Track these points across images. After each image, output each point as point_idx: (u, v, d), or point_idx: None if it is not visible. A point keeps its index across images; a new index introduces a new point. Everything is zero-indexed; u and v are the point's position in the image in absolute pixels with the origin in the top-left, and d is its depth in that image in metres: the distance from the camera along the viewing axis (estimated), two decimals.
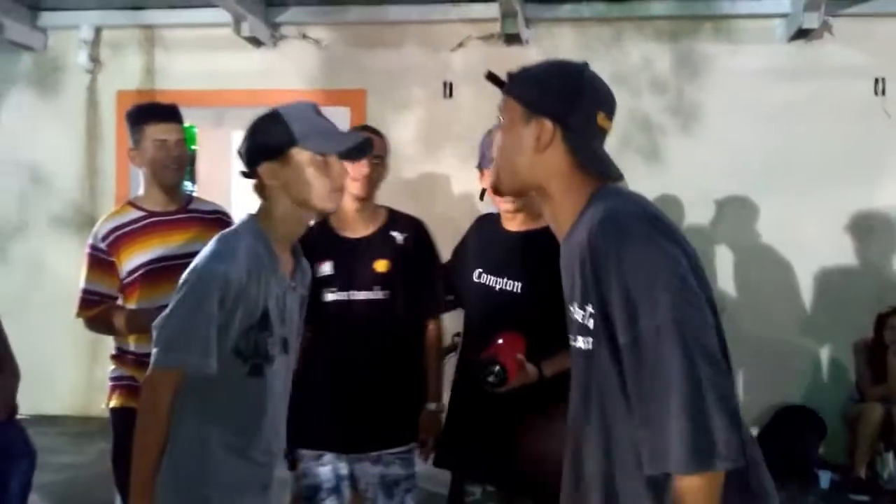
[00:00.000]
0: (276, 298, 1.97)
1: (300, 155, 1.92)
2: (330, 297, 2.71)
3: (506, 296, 2.45)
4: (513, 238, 2.52)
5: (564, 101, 1.56)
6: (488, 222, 2.67)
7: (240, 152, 2.02)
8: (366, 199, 2.77)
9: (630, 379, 1.40)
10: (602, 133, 1.61)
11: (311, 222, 2.88)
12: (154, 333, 1.88)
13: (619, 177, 1.61)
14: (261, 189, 1.99)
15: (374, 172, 2.75)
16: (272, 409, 1.98)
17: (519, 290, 2.42)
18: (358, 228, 2.78)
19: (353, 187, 2.70)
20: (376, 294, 2.70)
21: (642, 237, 1.43)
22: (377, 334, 2.71)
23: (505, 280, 2.47)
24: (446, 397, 2.77)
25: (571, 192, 1.57)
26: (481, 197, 2.52)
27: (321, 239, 2.76)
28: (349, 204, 2.74)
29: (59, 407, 5.90)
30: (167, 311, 1.88)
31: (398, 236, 2.80)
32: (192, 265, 1.91)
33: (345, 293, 2.71)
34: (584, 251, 1.47)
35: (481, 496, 2.47)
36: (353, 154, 2.00)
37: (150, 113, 2.84)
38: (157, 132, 2.79)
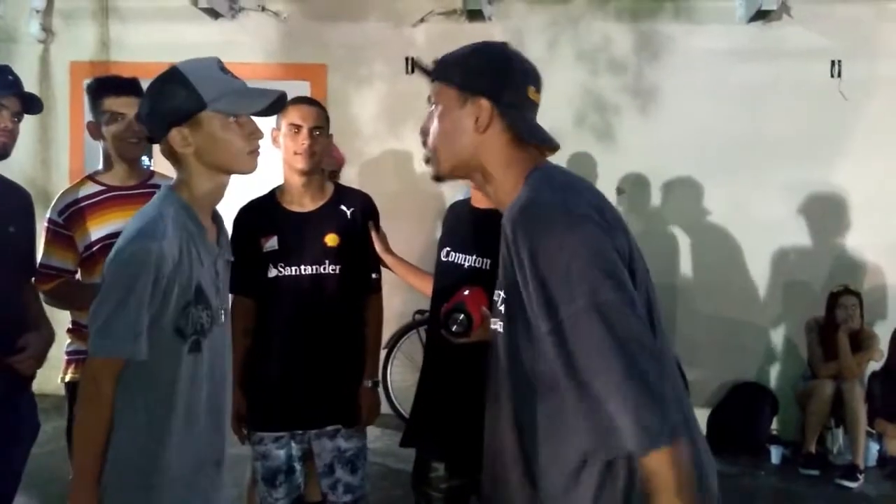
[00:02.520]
0: (208, 269, 1.90)
1: (211, 118, 1.82)
2: (277, 272, 2.68)
3: (474, 273, 2.43)
4: (480, 215, 2.50)
5: (496, 78, 1.59)
6: (459, 205, 2.66)
7: (141, 117, 1.90)
8: (311, 173, 2.72)
9: (560, 368, 1.42)
10: (534, 106, 1.64)
11: (258, 196, 2.90)
12: (89, 320, 1.81)
13: (556, 146, 1.64)
14: (171, 154, 1.87)
15: (316, 144, 2.69)
16: (213, 384, 1.93)
17: (488, 267, 2.40)
18: (305, 202, 2.75)
19: (296, 161, 2.67)
20: (326, 269, 2.69)
21: (557, 229, 1.43)
22: (327, 309, 2.69)
23: (474, 257, 2.45)
24: (403, 375, 2.78)
25: (511, 170, 1.59)
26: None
27: (266, 212, 2.75)
28: (295, 178, 2.72)
29: None
30: (99, 296, 1.79)
31: (346, 210, 2.77)
32: (118, 246, 1.81)
33: (293, 268, 2.68)
34: (504, 238, 1.51)
35: (444, 472, 2.48)
36: (267, 110, 1.91)
37: (110, 86, 2.81)
38: (116, 105, 2.75)
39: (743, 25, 5.56)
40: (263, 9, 5.84)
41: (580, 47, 5.55)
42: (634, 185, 5.57)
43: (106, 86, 2.82)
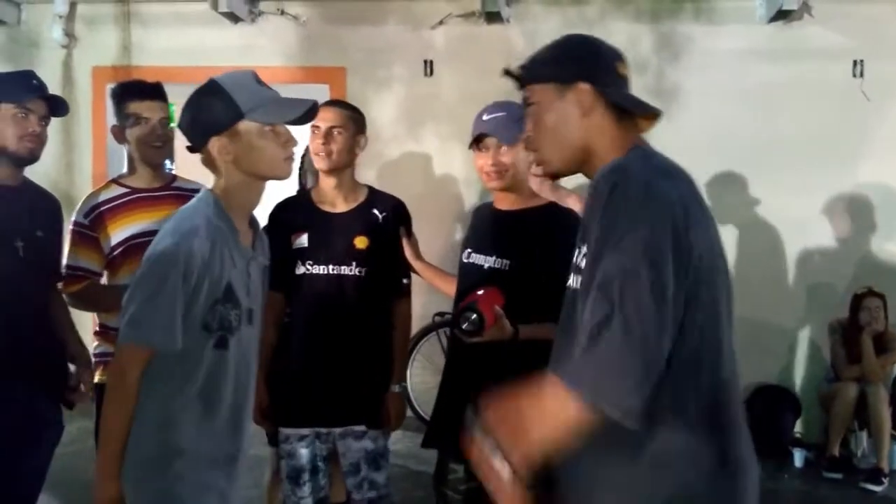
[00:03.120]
0: (240, 270, 1.97)
1: (248, 127, 1.91)
2: (305, 269, 2.72)
3: (494, 273, 2.43)
4: (502, 217, 2.51)
5: (587, 61, 1.64)
6: (483, 208, 2.67)
7: (181, 128, 1.98)
8: (334, 172, 2.74)
9: (581, 310, 1.46)
10: (625, 80, 1.68)
11: (293, 193, 2.96)
12: (123, 310, 1.88)
13: (659, 112, 1.68)
14: (210, 163, 1.97)
15: (333, 143, 2.71)
16: (237, 381, 1.99)
17: (507, 268, 2.40)
18: (338, 203, 2.79)
19: (317, 161, 2.72)
20: (353, 270, 2.71)
21: (633, 193, 1.45)
22: (351, 310, 2.71)
23: (494, 258, 2.45)
24: (423, 377, 2.80)
25: (614, 149, 1.61)
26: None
27: (300, 210, 2.80)
28: (325, 179, 2.77)
29: None
30: (132, 286, 1.88)
31: (378, 214, 2.80)
32: (154, 241, 1.91)
33: (321, 266, 2.71)
34: (589, 196, 1.54)
35: (463, 474, 2.48)
36: (301, 119, 1.99)
37: (134, 90, 2.84)
38: (141, 109, 2.79)
39: (763, 25, 5.53)
40: (283, 13, 5.87)
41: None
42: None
43: (130, 90, 2.85)
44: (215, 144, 1.92)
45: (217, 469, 1.97)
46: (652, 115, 1.67)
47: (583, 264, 1.54)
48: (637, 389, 1.36)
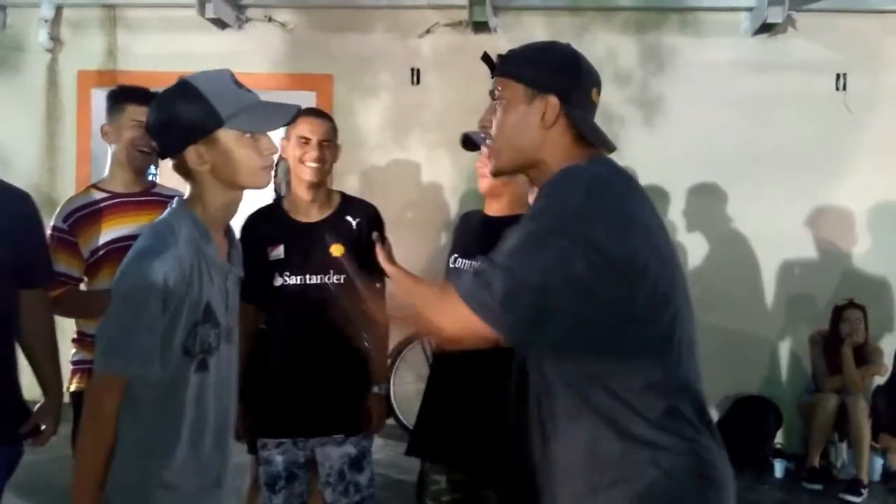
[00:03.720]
0: (218, 287, 1.88)
1: (227, 135, 1.78)
2: (282, 281, 2.71)
3: None
4: (491, 222, 2.51)
5: (566, 78, 1.63)
6: (472, 215, 2.67)
7: (151, 132, 1.85)
8: (319, 185, 2.76)
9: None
10: (594, 108, 1.68)
11: (262, 205, 2.91)
12: (96, 337, 1.79)
13: (614, 148, 1.68)
14: (184, 170, 1.83)
15: (325, 157, 2.74)
16: (219, 403, 1.91)
17: None
18: (311, 213, 2.78)
19: (305, 173, 2.71)
20: (331, 278, 2.70)
21: (580, 186, 1.48)
22: (332, 317, 2.68)
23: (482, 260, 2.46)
24: (405, 386, 2.80)
25: (567, 163, 1.61)
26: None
27: (273, 222, 2.78)
28: (302, 189, 2.75)
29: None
30: (107, 313, 1.76)
31: (352, 221, 2.80)
32: (128, 260, 1.77)
33: (299, 277, 2.71)
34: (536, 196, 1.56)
35: (446, 485, 2.47)
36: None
37: (135, 94, 2.83)
38: (137, 113, 2.78)
39: (748, 38, 5.58)
40: (270, 19, 5.87)
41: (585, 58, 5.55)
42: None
43: (131, 93, 2.85)
44: (192, 153, 1.79)
45: (202, 494, 1.90)
46: (607, 149, 1.67)
47: None
48: (509, 310, 1.40)
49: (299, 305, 2.70)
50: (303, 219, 2.77)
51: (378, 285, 2.85)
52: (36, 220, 2.58)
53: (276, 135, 2.23)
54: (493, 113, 1.67)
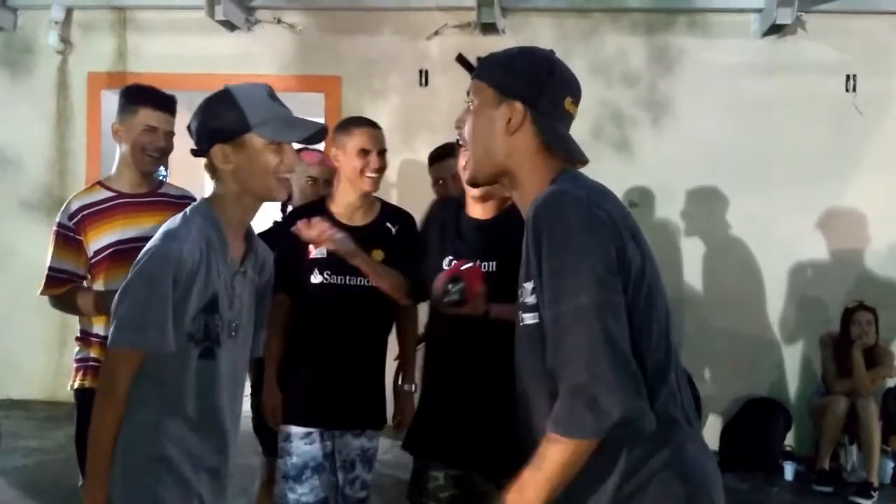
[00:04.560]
0: (225, 282, 1.96)
1: (254, 141, 1.91)
2: (322, 279, 2.79)
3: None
4: (483, 225, 2.55)
5: (534, 84, 1.61)
6: (451, 209, 2.67)
7: (190, 129, 1.99)
8: (372, 193, 2.86)
9: (549, 353, 1.47)
10: (569, 118, 1.65)
11: (310, 202, 2.99)
12: (112, 315, 1.88)
13: (584, 159, 1.66)
14: (211, 169, 1.97)
15: (383, 167, 2.84)
16: (222, 393, 1.98)
17: (494, 269, 2.46)
18: (356, 217, 2.86)
19: (367, 184, 2.80)
20: (368, 282, 2.74)
21: (576, 221, 1.47)
22: (366, 318, 2.81)
23: (478, 263, 2.48)
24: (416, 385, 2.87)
25: (536, 175, 1.61)
26: None
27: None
28: (352, 196, 2.84)
29: (27, 391, 5.84)
30: (121, 290, 1.87)
31: (392, 228, 2.89)
32: (146, 246, 1.90)
33: (339, 277, 2.78)
34: (527, 230, 1.54)
35: (444, 481, 2.49)
36: (310, 141, 2.02)
37: (149, 97, 2.83)
38: (150, 118, 2.78)
39: (757, 39, 5.56)
40: (279, 21, 5.88)
41: (594, 60, 5.55)
42: (646, 197, 5.56)
43: (146, 95, 2.83)
44: (218, 152, 1.92)
45: (201, 477, 1.97)
46: (577, 160, 1.65)
47: (529, 300, 1.54)
48: (635, 392, 1.41)
49: (336, 303, 2.79)
50: (347, 222, 2.83)
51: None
52: None
53: None
54: (467, 114, 1.68)
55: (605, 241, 1.46)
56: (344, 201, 2.86)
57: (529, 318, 1.55)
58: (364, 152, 2.78)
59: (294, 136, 1.95)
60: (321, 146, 2.90)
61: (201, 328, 1.91)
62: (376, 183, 2.83)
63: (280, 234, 2.93)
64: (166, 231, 1.91)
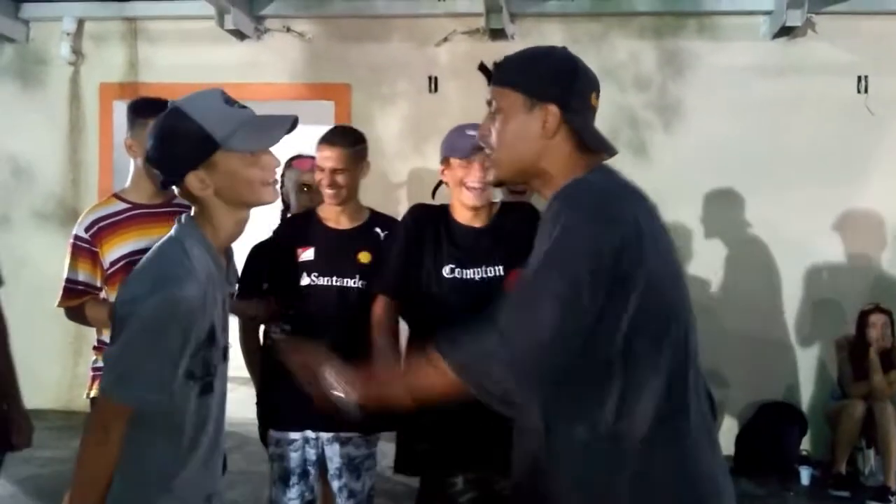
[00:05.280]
0: (219, 307, 1.84)
1: (226, 157, 1.73)
2: (310, 280, 2.84)
3: (487, 284, 2.55)
4: (481, 231, 2.64)
5: (564, 85, 1.61)
6: (437, 216, 2.70)
7: (151, 162, 1.80)
8: (343, 203, 2.89)
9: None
10: (594, 112, 1.67)
11: (298, 211, 3.07)
12: (107, 362, 1.76)
13: (615, 152, 1.68)
14: (188, 196, 1.79)
15: (337, 183, 2.84)
16: (215, 419, 1.88)
17: (501, 274, 2.54)
18: (342, 221, 2.93)
19: (326, 196, 2.86)
20: (357, 283, 2.84)
21: (587, 211, 1.49)
22: (352, 319, 2.80)
23: (484, 268, 2.58)
24: None
25: (570, 173, 1.61)
26: (433, 192, 2.79)
27: (306, 227, 2.94)
28: (332, 205, 2.90)
29: (42, 401, 5.83)
30: (122, 339, 1.70)
31: (380, 232, 2.93)
32: (142, 284, 1.72)
33: (324, 278, 2.84)
34: (548, 210, 1.57)
35: (463, 486, 2.51)
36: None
37: (157, 108, 2.82)
38: None
39: (767, 42, 5.54)
40: (288, 30, 5.90)
41: (604, 65, 5.54)
42: (660, 200, 5.53)
43: (154, 108, 2.82)
44: (193, 180, 1.74)
45: None
46: (609, 154, 1.67)
47: None
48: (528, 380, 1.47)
49: (323, 304, 2.83)
50: (334, 225, 2.92)
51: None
52: None
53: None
54: (491, 122, 1.66)
55: (611, 236, 1.45)
56: (328, 207, 2.93)
57: None
58: (320, 169, 2.87)
59: (266, 141, 1.78)
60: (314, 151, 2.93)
61: (201, 364, 1.78)
62: (334, 198, 2.85)
63: (274, 241, 3.04)
64: (169, 272, 1.72)
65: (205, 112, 1.74)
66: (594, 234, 1.45)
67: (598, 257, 1.44)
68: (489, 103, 1.66)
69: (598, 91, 1.67)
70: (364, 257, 2.86)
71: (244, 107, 1.79)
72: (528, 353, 1.45)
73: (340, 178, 2.86)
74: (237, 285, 2.66)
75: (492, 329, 1.46)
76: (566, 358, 1.47)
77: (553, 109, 1.59)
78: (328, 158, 2.86)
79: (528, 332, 1.45)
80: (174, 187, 1.80)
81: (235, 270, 2.06)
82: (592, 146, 1.63)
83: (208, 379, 1.81)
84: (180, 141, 1.73)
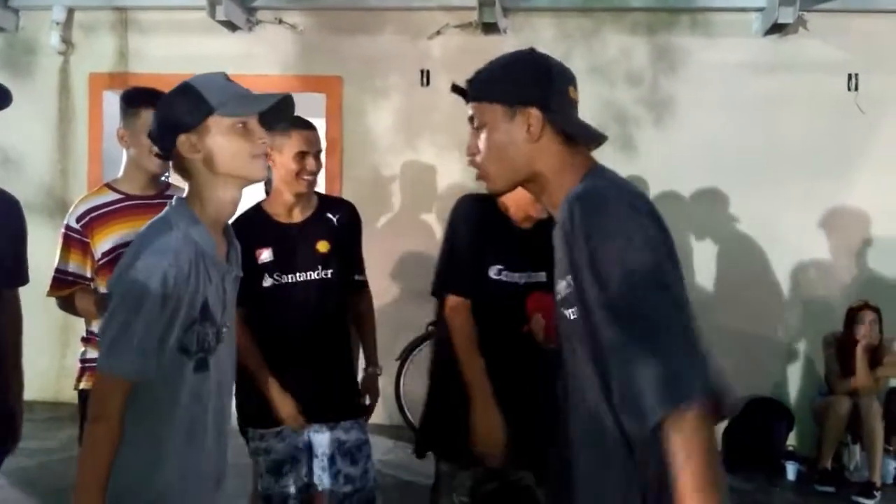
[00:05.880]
0: (216, 286, 1.88)
1: (218, 123, 1.82)
2: (272, 281, 2.81)
3: (532, 288, 2.59)
4: (528, 233, 2.64)
5: (541, 86, 1.61)
6: (489, 211, 2.68)
7: (151, 135, 1.91)
8: (309, 193, 2.88)
9: (606, 338, 1.43)
10: (575, 104, 1.67)
11: (244, 208, 2.94)
12: (100, 338, 1.80)
13: (605, 138, 1.67)
14: (181, 167, 1.88)
15: (319, 168, 2.85)
16: (218, 400, 1.93)
17: (545, 279, 2.56)
18: (295, 214, 2.89)
19: (303, 185, 2.80)
20: (319, 273, 2.84)
21: (616, 212, 1.47)
22: (321, 311, 2.83)
23: (529, 274, 2.62)
24: (415, 387, 2.87)
25: (565, 172, 1.61)
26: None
27: (258, 226, 2.86)
28: (287, 196, 2.84)
29: (30, 392, 5.76)
30: (107, 313, 1.77)
31: (333, 218, 2.92)
32: (125, 261, 1.78)
33: (288, 276, 2.82)
34: (562, 225, 1.53)
35: (482, 476, 2.56)
36: (275, 118, 1.93)
37: (149, 98, 2.82)
38: (152, 118, 2.77)
39: (759, 38, 5.55)
40: (280, 21, 5.88)
41: (595, 60, 5.55)
42: (649, 197, 5.55)
43: (146, 97, 2.83)
44: (185, 143, 1.83)
45: (201, 492, 1.92)
46: (597, 142, 1.67)
47: (566, 295, 1.53)
48: (703, 370, 1.38)
49: (290, 302, 2.81)
50: (286, 220, 2.87)
51: (358, 277, 2.97)
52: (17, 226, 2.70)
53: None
54: (476, 138, 1.65)
55: (645, 225, 1.47)
56: (279, 201, 2.87)
57: (571, 314, 1.54)
58: (301, 155, 2.78)
59: (257, 106, 1.86)
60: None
61: (195, 339, 1.82)
62: (311, 185, 2.84)
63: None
64: (150, 244, 1.78)
65: (205, 83, 1.86)
66: (638, 228, 1.46)
67: (654, 236, 1.46)
68: (471, 120, 1.66)
69: (574, 83, 1.66)
70: (322, 246, 2.85)
71: (243, 87, 1.90)
72: (686, 354, 1.39)
73: (319, 161, 2.86)
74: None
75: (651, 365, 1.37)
76: None
77: (534, 112, 1.59)
78: (314, 142, 2.83)
79: (670, 335, 1.39)
80: (170, 160, 1.89)
81: (237, 254, 2.04)
82: (581, 138, 1.63)
83: (201, 355, 1.84)
84: (178, 104, 1.85)
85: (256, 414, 2.82)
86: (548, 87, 1.61)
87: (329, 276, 2.84)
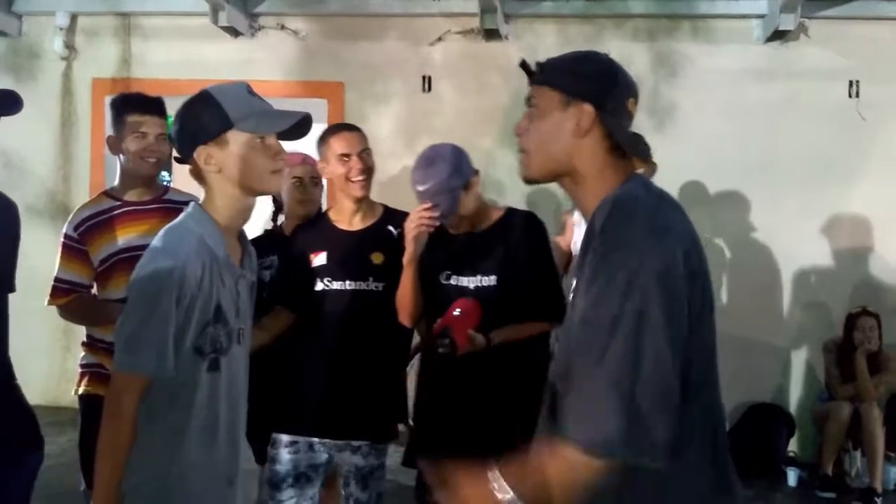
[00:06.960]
0: (229, 289, 1.93)
1: (237, 137, 1.86)
2: (323, 286, 2.75)
3: (482, 292, 2.55)
4: (474, 237, 2.66)
5: (602, 86, 1.62)
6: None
7: (171, 137, 1.96)
8: (365, 198, 2.83)
9: (576, 353, 1.44)
10: (631, 118, 1.67)
11: (309, 214, 3.05)
12: (115, 337, 1.84)
13: (650, 157, 1.68)
14: (197, 174, 1.93)
15: (368, 167, 2.81)
16: (231, 402, 1.95)
17: (494, 283, 2.54)
18: (355, 222, 2.84)
19: (355, 189, 2.77)
20: (370, 285, 2.74)
21: (641, 226, 1.46)
22: (369, 325, 2.73)
23: (479, 277, 2.58)
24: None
25: (603, 176, 1.61)
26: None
27: (317, 230, 2.86)
28: (348, 202, 2.82)
29: (30, 396, 5.75)
30: (124, 312, 1.83)
31: (393, 230, 2.83)
32: (143, 261, 1.85)
33: (339, 283, 2.74)
34: (591, 227, 1.54)
35: None
36: (293, 134, 1.95)
37: (134, 103, 2.84)
38: (137, 123, 2.79)
39: (760, 45, 5.56)
40: (282, 27, 5.90)
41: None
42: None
43: (131, 102, 2.85)
44: (202, 153, 1.87)
45: (214, 492, 1.94)
46: (643, 159, 1.66)
47: (572, 297, 1.54)
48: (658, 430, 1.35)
49: (337, 310, 2.73)
50: (346, 227, 2.83)
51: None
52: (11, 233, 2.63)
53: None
54: (528, 120, 1.67)
55: (671, 245, 1.44)
56: (341, 208, 2.86)
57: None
58: (344, 157, 2.76)
59: (277, 126, 1.90)
60: (303, 147, 2.87)
61: (209, 340, 1.87)
62: (364, 186, 2.78)
63: (280, 246, 2.95)
64: (165, 246, 1.85)
65: (227, 95, 1.89)
66: (656, 251, 1.43)
67: (664, 261, 1.42)
68: (528, 101, 1.67)
69: (636, 97, 1.67)
70: (377, 258, 2.76)
71: (265, 101, 1.93)
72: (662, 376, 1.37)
73: (369, 158, 2.82)
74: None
75: (600, 387, 1.36)
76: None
77: (587, 108, 1.59)
78: (355, 141, 2.80)
79: (627, 378, 1.36)
80: (187, 165, 1.92)
81: (252, 260, 2.06)
82: (626, 148, 1.62)
83: (214, 356, 1.88)
84: (198, 115, 1.88)
85: (283, 417, 2.76)
86: (608, 89, 1.62)
87: (380, 288, 2.73)
